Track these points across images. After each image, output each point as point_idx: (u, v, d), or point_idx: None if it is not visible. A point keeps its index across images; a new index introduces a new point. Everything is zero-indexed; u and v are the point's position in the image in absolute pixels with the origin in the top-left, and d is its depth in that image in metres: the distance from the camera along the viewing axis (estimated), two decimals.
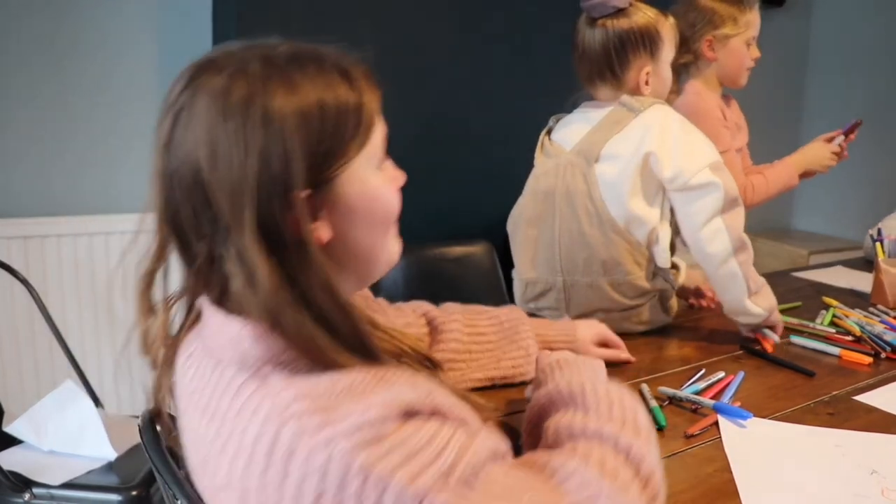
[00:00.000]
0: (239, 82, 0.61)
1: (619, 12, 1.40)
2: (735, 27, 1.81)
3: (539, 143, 1.52)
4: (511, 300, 1.57)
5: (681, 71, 1.91)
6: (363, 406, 0.55)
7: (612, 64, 1.41)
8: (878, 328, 1.49)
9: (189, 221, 0.63)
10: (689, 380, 1.21)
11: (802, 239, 3.48)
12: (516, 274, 1.53)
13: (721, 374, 1.22)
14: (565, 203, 1.40)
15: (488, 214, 2.21)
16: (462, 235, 2.39)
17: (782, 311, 1.61)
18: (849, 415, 1.12)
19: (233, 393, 0.60)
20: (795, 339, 1.44)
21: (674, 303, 1.50)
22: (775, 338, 1.40)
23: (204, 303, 0.66)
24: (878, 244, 1.77)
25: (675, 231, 1.45)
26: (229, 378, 0.61)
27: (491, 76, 2.50)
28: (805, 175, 1.87)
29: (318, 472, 0.52)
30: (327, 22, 2.16)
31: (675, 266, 1.50)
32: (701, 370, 1.25)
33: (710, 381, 1.19)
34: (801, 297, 1.77)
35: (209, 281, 0.65)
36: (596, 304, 1.42)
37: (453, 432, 0.56)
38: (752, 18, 1.82)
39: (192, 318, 0.70)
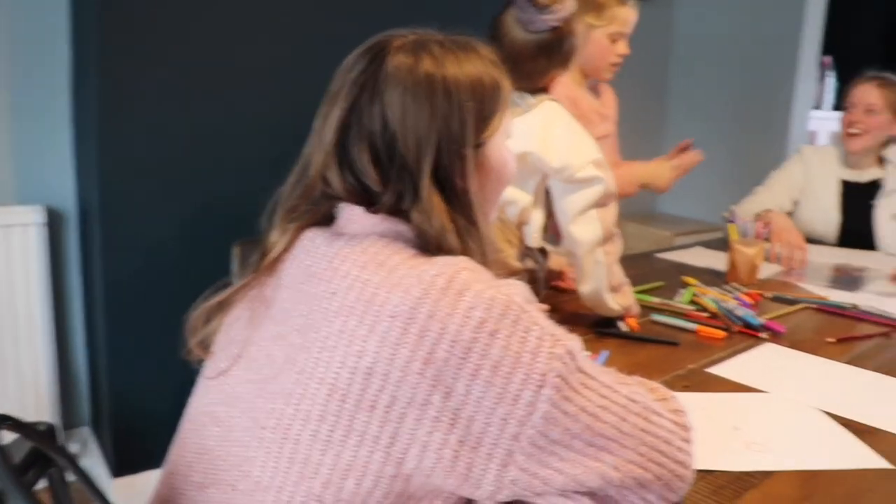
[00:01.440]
0: (424, 59, 0.79)
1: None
2: (598, 19, 1.83)
3: None
4: None
5: None
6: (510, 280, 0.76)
7: (531, 74, 1.43)
8: (732, 304, 1.61)
9: (372, 174, 0.79)
10: None
11: (667, 222, 3.68)
12: None
13: (586, 353, 1.28)
14: None
15: None
16: None
17: (645, 291, 1.71)
18: (703, 386, 1.21)
19: (404, 256, 0.75)
20: (657, 317, 1.53)
21: (543, 284, 1.56)
22: (625, 328, 1.47)
23: (349, 208, 0.82)
24: (730, 225, 1.90)
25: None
26: (397, 247, 0.77)
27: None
28: (644, 187, 1.99)
29: (486, 302, 0.69)
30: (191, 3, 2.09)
31: (543, 251, 1.56)
32: None
33: None
34: (663, 276, 1.88)
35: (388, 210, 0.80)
36: None
37: None
38: (621, 14, 1.85)
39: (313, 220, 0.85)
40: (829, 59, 3.88)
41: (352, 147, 0.80)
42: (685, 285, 1.79)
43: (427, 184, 0.78)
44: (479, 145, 0.83)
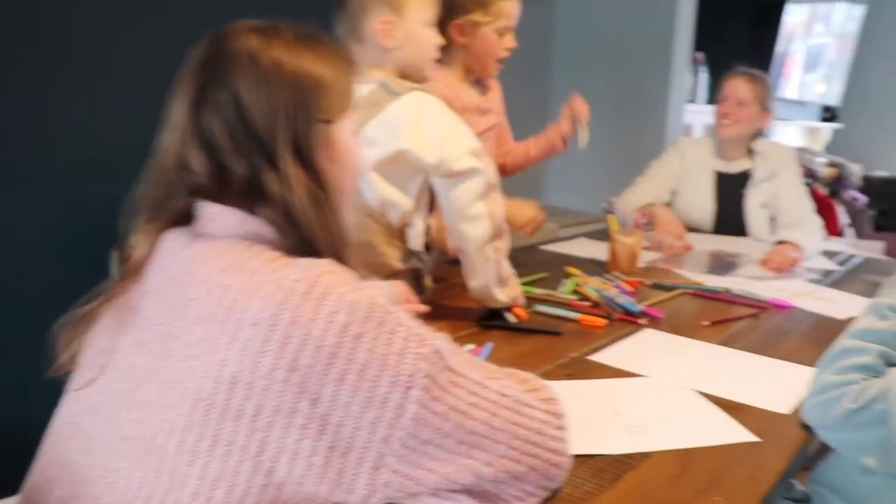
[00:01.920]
0: (272, 40, 0.80)
1: None
2: (485, 15, 1.84)
3: None
4: None
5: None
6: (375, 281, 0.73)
7: (352, 17, 1.43)
8: (613, 292, 1.66)
9: (228, 145, 0.78)
10: None
11: (552, 214, 3.72)
12: None
13: (471, 347, 1.30)
14: None
15: None
16: None
17: (530, 283, 1.74)
18: (585, 373, 1.24)
19: (265, 259, 0.74)
20: (540, 308, 1.56)
21: (428, 282, 1.56)
22: (512, 319, 1.49)
23: (209, 207, 0.79)
24: (610, 216, 1.96)
25: None
26: (258, 249, 0.76)
27: None
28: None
29: (350, 306, 0.69)
30: None
31: (428, 249, 1.56)
32: None
33: None
34: (547, 268, 1.92)
35: (239, 191, 0.79)
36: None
37: None
38: (507, 8, 1.85)
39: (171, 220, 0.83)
40: (701, 56, 4.06)
41: (205, 121, 0.79)
42: (568, 276, 1.83)
43: (284, 153, 0.78)
44: (328, 121, 0.83)
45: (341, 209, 0.86)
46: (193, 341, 0.70)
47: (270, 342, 0.67)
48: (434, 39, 1.50)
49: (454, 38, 1.86)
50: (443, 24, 1.84)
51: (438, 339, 0.73)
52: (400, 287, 1.33)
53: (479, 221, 1.36)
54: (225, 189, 0.80)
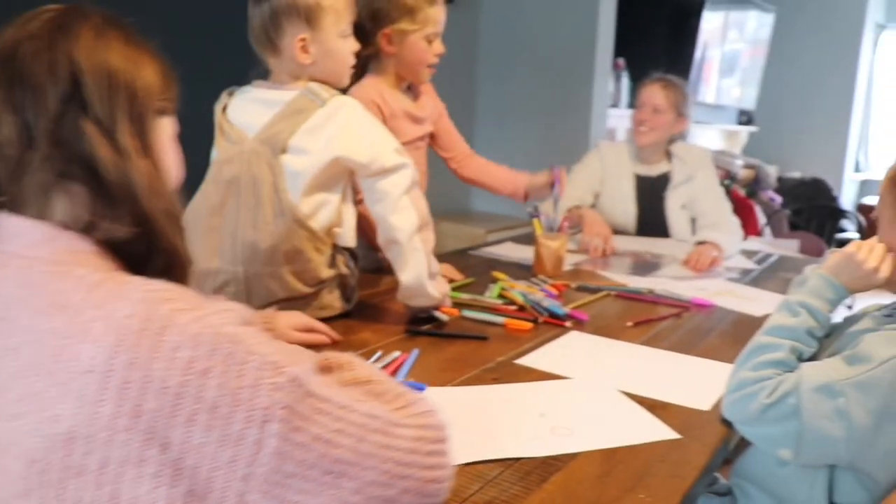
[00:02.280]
0: (108, 29, 0.75)
1: None
2: (412, 23, 1.83)
3: (217, 126, 1.48)
4: None
5: (367, 63, 1.94)
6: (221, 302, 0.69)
7: (268, 31, 1.42)
8: (539, 296, 1.68)
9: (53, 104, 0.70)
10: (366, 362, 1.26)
11: (480, 219, 3.78)
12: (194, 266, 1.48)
13: (396, 354, 1.29)
14: (250, 192, 1.39)
15: None
16: None
17: (457, 288, 1.75)
18: (511, 377, 1.24)
19: (87, 286, 0.66)
20: (467, 313, 1.56)
21: (355, 287, 1.55)
22: (444, 318, 1.51)
23: (8, 220, 0.72)
24: (535, 220, 1.98)
25: None
26: (78, 275, 0.68)
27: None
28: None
29: (192, 339, 0.63)
30: None
31: (354, 254, 1.55)
32: (378, 352, 1.31)
33: (385, 362, 1.25)
34: (474, 273, 1.93)
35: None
36: (277, 293, 1.42)
37: None
38: (434, 14, 1.86)
39: None
40: (622, 62, 4.15)
41: (22, 91, 0.70)
42: (495, 281, 1.84)
43: (122, 123, 0.73)
44: (161, 112, 0.79)
45: (179, 209, 0.82)
46: (17, 398, 0.63)
47: (108, 390, 0.62)
48: (350, 48, 1.50)
49: (383, 47, 1.87)
50: (371, 33, 1.85)
51: (297, 365, 0.67)
52: (299, 317, 1.35)
53: (407, 212, 1.43)
54: (29, 172, 0.71)
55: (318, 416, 0.66)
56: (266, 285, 1.42)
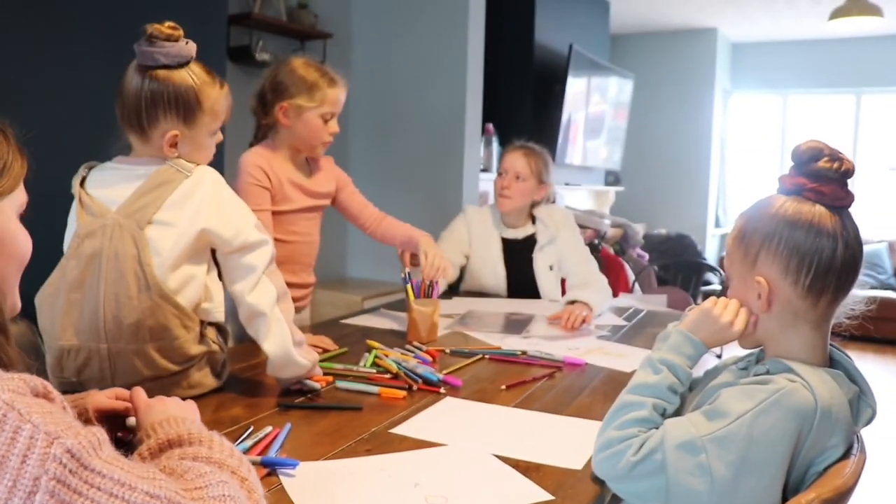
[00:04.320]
0: None
1: (166, 67, 1.40)
2: (310, 100, 1.92)
3: (76, 199, 1.44)
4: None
5: (266, 133, 2.02)
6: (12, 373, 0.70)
7: (140, 116, 1.41)
8: (413, 363, 1.69)
9: None
10: (237, 440, 1.23)
11: (356, 286, 3.79)
12: (50, 343, 1.40)
13: (269, 429, 1.27)
14: (113, 267, 1.35)
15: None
16: None
17: (330, 359, 1.74)
18: (386, 447, 1.25)
19: None
20: (340, 384, 1.56)
21: (226, 362, 1.52)
22: (316, 386, 1.51)
23: None
24: (408, 286, 2.01)
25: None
26: None
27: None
28: None
29: None
30: None
31: (223, 329, 1.52)
32: (249, 428, 1.29)
33: (257, 438, 1.23)
34: (349, 342, 1.93)
35: None
36: (143, 371, 1.38)
37: None
38: (332, 95, 1.94)
39: None
40: (491, 127, 4.30)
41: None
42: (370, 349, 1.85)
43: None
44: None
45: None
46: None
47: None
48: (215, 143, 1.52)
49: (279, 119, 1.95)
50: (270, 105, 1.95)
51: (76, 437, 0.67)
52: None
53: (266, 286, 1.45)
54: None
55: (90, 492, 0.66)
56: (131, 363, 1.37)
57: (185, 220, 1.39)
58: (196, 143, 1.46)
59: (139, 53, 1.40)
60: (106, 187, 1.43)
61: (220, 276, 1.51)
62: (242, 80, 3.40)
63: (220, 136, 1.53)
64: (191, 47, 1.42)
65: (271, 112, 1.96)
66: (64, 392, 1.11)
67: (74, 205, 1.45)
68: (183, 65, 1.42)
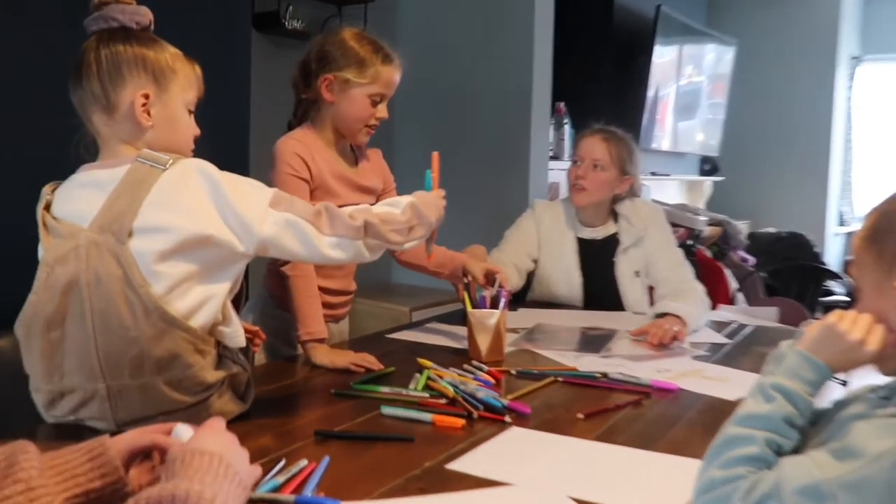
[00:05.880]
0: None
1: (126, 32, 1.43)
2: (359, 76, 1.96)
3: (40, 225, 1.43)
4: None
5: (306, 113, 2.06)
6: None
7: (103, 82, 1.41)
8: (472, 386, 1.69)
9: None
10: (267, 475, 1.24)
11: (404, 294, 3.81)
12: (36, 386, 1.43)
13: (304, 463, 1.28)
14: (96, 294, 1.33)
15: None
16: None
17: (374, 380, 1.75)
18: (441, 486, 1.25)
19: None
20: (387, 411, 1.57)
21: (251, 382, 1.54)
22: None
23: None
24: (465, 293, 2.01)
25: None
26: None
27: None
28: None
29: None
30: None
31: (245, 351, 1.54)
32: (281, 461, 1.30)
33: (290, 474, 1.24)
34: (396, 361, 1.94)
35: None
36: (153, 407, 1.38)
37: None
38: (385, 74, 1.98)
39: None
40: (563, 107, 4.28)
41: None
42: (421, 369, 1.85)
43: None
44: None
45: None
46: None
47: None
48: (193, 129, 1.52)
49: (322, 93, 1.98)
50: (314, 76, 1.98)
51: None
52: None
53: (335, 248, 1.49)
54: None
55: None
56: (137, 399, 1.36)
57: (175, 221, 1.36)
58: (171, 113, 1.46)
59: (92, 22, 1.43)
60: (73, 202, 1.41)
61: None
62: (270, 52, 3.45)
63: (197, 129, 1.53)
64: (148, 11, 1.46)
65: (314, 84, 1.99)
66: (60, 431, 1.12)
67: (41, 232, 1.43)
68: (145, 29, 1.46)
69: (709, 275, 4.49)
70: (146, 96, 1.42)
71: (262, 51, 3.39)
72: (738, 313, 2.88)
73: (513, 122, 3.74)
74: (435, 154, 1.88)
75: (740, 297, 4.48)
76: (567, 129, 4.31)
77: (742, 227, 5.53)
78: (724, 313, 2.83)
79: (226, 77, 2.90)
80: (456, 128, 3.90)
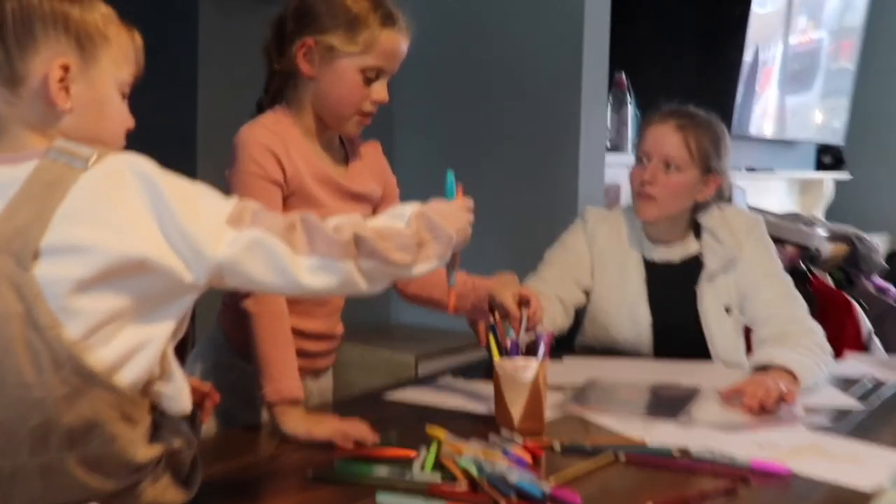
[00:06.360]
0: None
1: None
2: (348, 41, 1.92)
3: None
4: None
5: (279, 91, 2.05)
6: None
7: (6, 42, 1.40)
8: (501, 465, 1.70)
9: None
10: None
11: (406, 338, 3.82)
12: None
13: None
14: None
15: None
16: None
17: (368, 457, 1.76)
18: None
19: None
20: (383, 499, 1.57)
21: (198, 462, 1.55)
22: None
23: None
24: (493, 338, 2.01)
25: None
26: None
27: None
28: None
29: None
30: None
31: (193, 418, 1.56)
32: None
33: None
34: (396, 427, 1.96)
35: None
36: (60, 496, 1.37)
37: None
38: (386, 41, 1.96)
39: None
40: (623, 78, 4.26)
41: None
42: (430, 442, 1.86)
43: None
44: None
45: None
46: None
47: None
48: (126, 116, 1.51)
49: (298, 63, 1.95)
50: (290, 39, 1.95)
51: None
52: None
53: (315, 273, 1.44)
54: None
55: None
56: (36, 486, 1.35)
57: (99, 239, 1.33)
58: (98, 93, 1.46)
59: None
60: None
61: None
62: (224, 15, 3.46)
63: (131, 121, 1.53)
64: None
65: (289, 51, 1.97)
66: None
67: None
68: None
69: (831, 310, 4.47)
70: (65, 68, 1.40)
71: (214, 14, 3.40)
72: (874, 365, 2.85)
73: (556, 101, 3.74)
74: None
75: (877, 341, 4.45)
76: (630, 109, 4.29)
77: (878, 244, 5.51)
78: (853, 364, 2.81)
79: (168, 48, 2.91)
80: (478, 113, 3.91)
